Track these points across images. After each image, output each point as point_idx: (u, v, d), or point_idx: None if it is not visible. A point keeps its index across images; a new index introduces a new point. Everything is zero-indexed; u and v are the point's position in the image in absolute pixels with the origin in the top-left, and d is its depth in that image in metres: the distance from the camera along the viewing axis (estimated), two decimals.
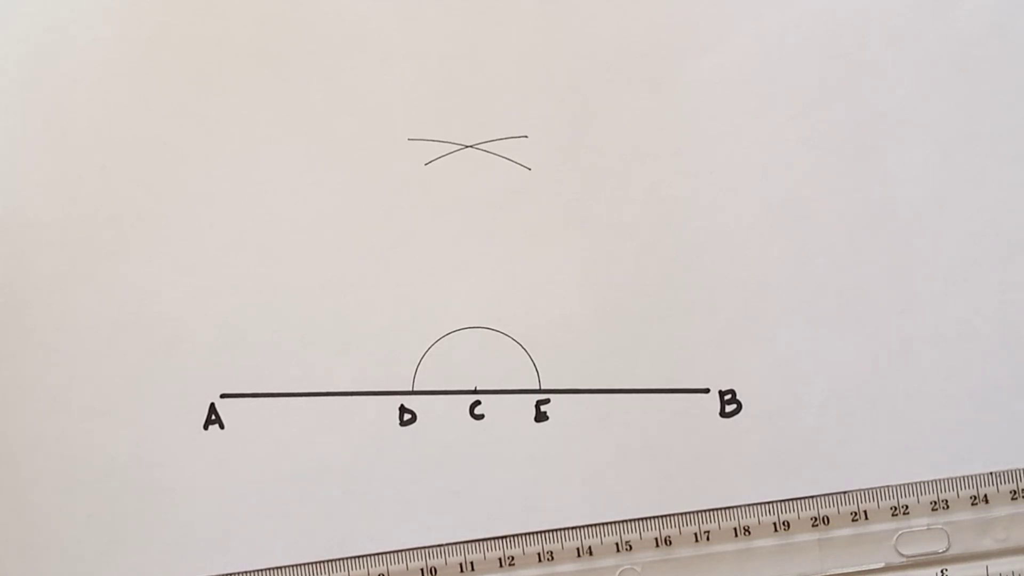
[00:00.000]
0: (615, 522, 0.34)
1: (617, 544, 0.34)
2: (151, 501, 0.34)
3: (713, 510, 0.34)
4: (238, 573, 0.34)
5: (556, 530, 0.34)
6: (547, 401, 0.34)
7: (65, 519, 0.33)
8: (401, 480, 0.34)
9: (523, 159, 0.34)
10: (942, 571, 0.33)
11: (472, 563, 0.34)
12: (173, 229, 0.34)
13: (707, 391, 0.34)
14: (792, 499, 0.34)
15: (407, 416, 0.34)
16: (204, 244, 0.34)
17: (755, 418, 0.34)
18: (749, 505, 0.34)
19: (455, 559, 0.34)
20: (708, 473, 0.34)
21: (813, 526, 0.33)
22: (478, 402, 0.34)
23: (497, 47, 0.33)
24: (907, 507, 0.33)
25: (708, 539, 0.34)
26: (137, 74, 0.34)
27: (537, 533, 0.34)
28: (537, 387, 0.34)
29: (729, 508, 0.34)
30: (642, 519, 0.34)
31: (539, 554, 0.34)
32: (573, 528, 0.34)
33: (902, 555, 0.33)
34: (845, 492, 0.33)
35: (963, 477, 0.33)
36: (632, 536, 0.34)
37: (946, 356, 0.34)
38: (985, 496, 0.33)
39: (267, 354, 0.34)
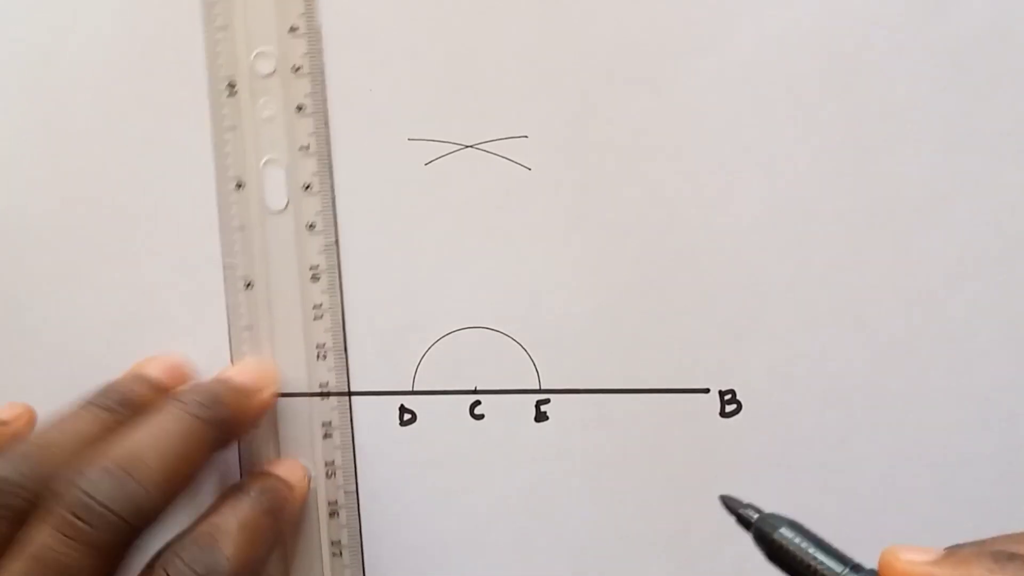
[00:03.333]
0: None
1: None
2: None
3: None
4: None
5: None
6: (547, 401, 0.34)
7: None
8: (401, 480, 0.34)
9: (523, 159, 0.34)
10: None
11: None
12: (173, 229, 0.34)
13: (707, 391, 0.34)
14: None
15: (407, 416, 0.34)
16: (204, 244, 0.34)
17: (755, 418, 0.34)
18: None
19: None
20: (708, 473, 0.34)
21: None
22: (478, 402, 0.34)
23: (497, 47, 0.33)
24: None
25: None
26: (137, 74, 0.34)
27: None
28: (537, 387, 0.34)
29: None
30: None
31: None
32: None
33: None
34: None
35: None
36: None
37: (946, 355, 0.34)
38: None
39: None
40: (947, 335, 0.34)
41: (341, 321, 0.34)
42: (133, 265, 0.34)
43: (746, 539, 0.34)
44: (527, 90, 0.33)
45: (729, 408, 0.34)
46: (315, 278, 0.33)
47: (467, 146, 0.34)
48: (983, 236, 0.34)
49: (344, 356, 0.34)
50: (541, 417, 0.34)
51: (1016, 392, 0.34)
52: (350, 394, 0.34)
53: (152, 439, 0.29)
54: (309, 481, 0.34)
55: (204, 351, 0.34)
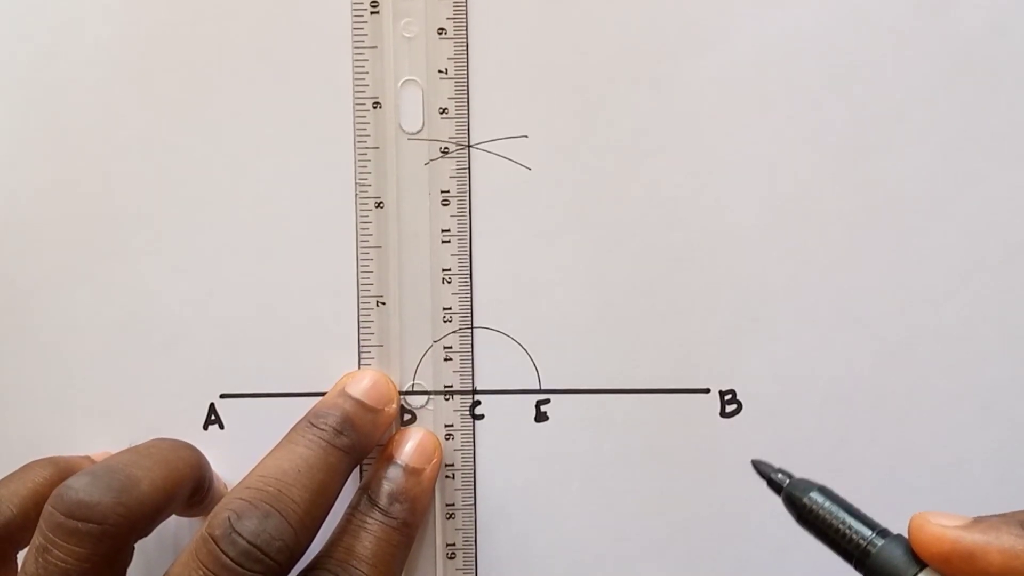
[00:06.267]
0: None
1: None
2: None
3: None
4: None
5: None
6: (547, 401, 0.34)
7: None
8: None
9: (523, 159, 0.34)
10: None
11: None
12: (173, 229, 0.34)
13: (707, 391, 0.34)
14: None
15: (407, 416, 0.34)
16: (204, 244, 0.34)
17: (755, 418, 0.34)
18: None
19: None
20: (708, 473, 0.34)
21: None
22: (478, 402, 0.34)
23: (497, 47, 0.33)
24: None
25: None
26: (137, 74, 0.34)
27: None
28: (537, 387, 0.34)
29: None
30: None
31: None
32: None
33: None
34: None
35: None
36: None
37: (946, 355, 0.34)
38: None
39: (267, 354, 0.34)
40: (947, 335, 0.34)
41: (469, 250, 0.34)
42: (130, 265, 0.34)
43: (746, 539, 0.34)
44: (527, 90, 0.33)
45: (729, 408, 0.34)
46: (445, 203, 0.33)
47: (467, 146, 0.34)
48: (983, 236, 0.34)
49: (469, 282, 0.34)
50: (541, 417, 0.34)
51: (1016, 392, 0.34)
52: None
53: (296, 472, 0.29)
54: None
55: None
